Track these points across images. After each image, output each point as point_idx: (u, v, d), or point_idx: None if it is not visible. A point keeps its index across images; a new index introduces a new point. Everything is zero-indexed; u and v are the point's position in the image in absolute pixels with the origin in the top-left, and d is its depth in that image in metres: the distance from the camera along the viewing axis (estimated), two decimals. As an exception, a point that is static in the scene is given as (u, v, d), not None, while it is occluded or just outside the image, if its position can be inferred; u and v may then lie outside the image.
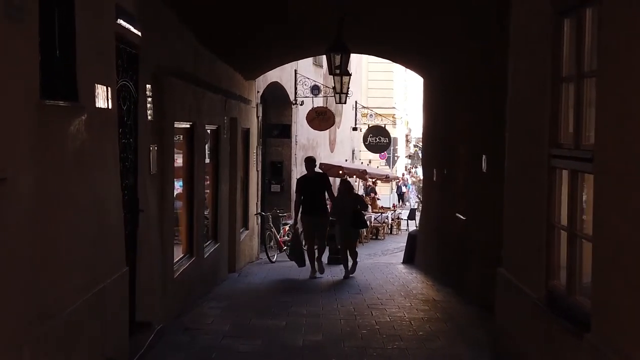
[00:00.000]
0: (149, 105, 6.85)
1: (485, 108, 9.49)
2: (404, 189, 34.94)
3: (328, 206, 12.42)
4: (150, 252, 6.85)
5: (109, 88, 5.28)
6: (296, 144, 19.64)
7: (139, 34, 6.42)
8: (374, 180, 28.91)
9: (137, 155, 6.55)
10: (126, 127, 6.22)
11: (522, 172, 5.63)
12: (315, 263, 12.02)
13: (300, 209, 11.92)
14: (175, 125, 8.19)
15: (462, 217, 10.67)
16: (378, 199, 28.40)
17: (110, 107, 5.29)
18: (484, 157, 9.28)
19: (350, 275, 11.90)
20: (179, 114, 8.17)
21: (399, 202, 33.13)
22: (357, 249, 12.76)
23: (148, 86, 6.85)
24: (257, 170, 15.73)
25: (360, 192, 27.80)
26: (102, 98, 5.10)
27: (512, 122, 6.02)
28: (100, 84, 5.06)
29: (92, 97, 4.90)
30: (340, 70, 9.94)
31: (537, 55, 5.21)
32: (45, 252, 3.94)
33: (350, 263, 12.10)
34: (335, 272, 12.41)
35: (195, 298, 8.97)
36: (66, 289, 4.32)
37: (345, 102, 13.72)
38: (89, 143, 4.72)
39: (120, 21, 5.83)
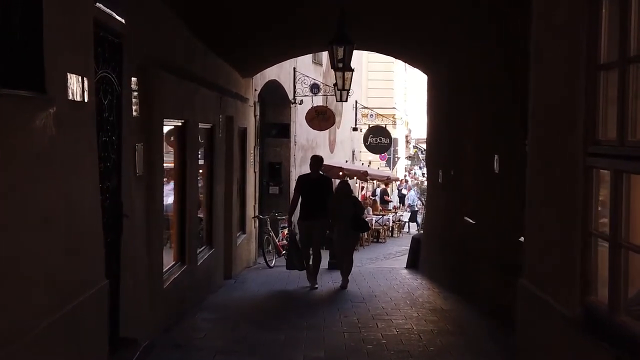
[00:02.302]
0: (134, 100, 6.25)
1: (497, 104, 8.95)
2: (404, 192, 34.28)
3: None
4: (135, 261, 6.25)
5: (85, 79, 4.66)
6: (295, 145, 19.03)
7: (123, 21, 5.83)
8: (386, 182, 28.69)
9: (121, 154, 5.95)
10: (107, 123, 5.62)
11: (549, 172, 5.03)
12: (310, 275, 11.18)
13: (299, 214, 11.19)
14: (165, 123, 7.60)
15: (470, 220, 10.11)
16: (390, 201, 28.08)
17: (86, 100, 4.68)
18: (495, 157, 8.72)
19: (340, 288, 10.92)
20: (169, 110, 7.57)
21: (399, 204, 32.54)
22: (354, 257, 11.70)
23: (134, 79, 6.25)
24: (255, 172, 15.12)
25: (377, 194, 27.76)
26: (76, 89, 4.49)
27: (535, 117, 5.42)
28: (73, 73, 4.44)
29: (64, 87, 4.29)
30: (343, 64, 9.30)
31: (567, 40, 4.61)
32: (1, 268, 3.34)
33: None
34: (337, 278, 11.78)
35: (188, 309, 8.36)
36: (29, 309, 3.72)
37: (346, 100, 13.12)
38: (59, 140, 4.11)
39: (100, 5, 5.24)
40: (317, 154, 12.56)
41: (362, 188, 28.80)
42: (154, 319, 6.81)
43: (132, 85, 6.18)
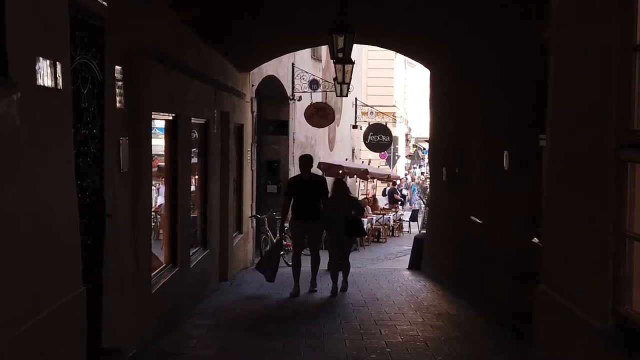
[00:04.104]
0: (118, 90, 5.77)
1: (506, 98, 8.49)
2: (405, 192, 33.82)
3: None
4: (119, 264, 5.77)
5: (59, 63, 4.18)
6: (294, 142, 18.55)
7: (105, 3, 5.35)
8: (393, 181, 28.37)
9: (103, 149, 5.48)
10: (87, 114, 5.14)
11: (573, 167, 4.56)
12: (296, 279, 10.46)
13: (292, 214, 10.61)
14: (155, 116, 7.13)
15: (477, 220, 9.65)
16: (400, 200, 27.86)
17: (59, 86, 4.21)
18: (505, 153, 8.26)
19: (340, 292, 10.26)
20: (157, 102, 7.10)
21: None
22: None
23: (118, 67, 5.77)
24: (252, 170, 14.64)
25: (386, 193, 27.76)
26: (47, 75, 4.01)
27: (556, 107, 4.95)
28: (43, 57, 3.97)
29: (31, 72, 3.82)
30: (343, 55, 8.79)
31: (596, 21, 4.14)
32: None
33: (340, 280, 10.46)
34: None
35: (179, 314, 7.89)
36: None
37: (347, 95, 12.66)
38: (24, 130, 3.64)
39: (76, -16, 4.76)
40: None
41: (361, 191, 28.41)
42: (141, 326, 6.34)
43: (115, 74, 5.71)
